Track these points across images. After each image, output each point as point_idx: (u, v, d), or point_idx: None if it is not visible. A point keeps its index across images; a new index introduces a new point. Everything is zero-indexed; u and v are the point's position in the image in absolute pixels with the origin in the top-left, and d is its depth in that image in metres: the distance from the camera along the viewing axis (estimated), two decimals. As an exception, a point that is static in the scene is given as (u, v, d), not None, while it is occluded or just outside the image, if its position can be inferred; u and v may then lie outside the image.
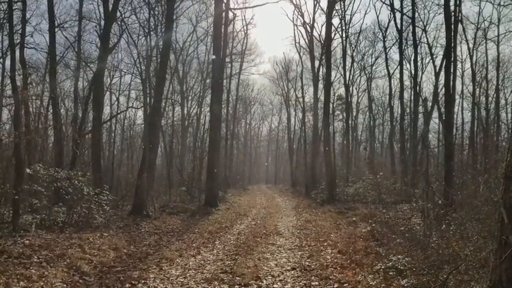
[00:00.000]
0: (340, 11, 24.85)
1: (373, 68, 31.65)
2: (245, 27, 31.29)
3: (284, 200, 24.02)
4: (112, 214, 11.89)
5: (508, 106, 26.83)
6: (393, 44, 26.75)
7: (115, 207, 13.42)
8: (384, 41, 25.78)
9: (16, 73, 12.15)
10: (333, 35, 23.34)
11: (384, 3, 24.46)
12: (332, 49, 23.85)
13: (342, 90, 31.67)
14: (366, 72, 31.52)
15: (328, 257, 7.72)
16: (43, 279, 5.69)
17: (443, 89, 14.79)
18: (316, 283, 5.98)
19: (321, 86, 26.83)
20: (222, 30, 19.28)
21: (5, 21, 16.30)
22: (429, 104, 23.00)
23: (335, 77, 29.89)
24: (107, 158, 26.22)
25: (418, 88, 22.18)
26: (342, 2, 24.55)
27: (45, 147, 17.77)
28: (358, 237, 9.42)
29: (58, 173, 10.31)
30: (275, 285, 5.94)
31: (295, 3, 29.81)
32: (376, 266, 6.37)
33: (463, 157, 18.77)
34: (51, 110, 17.96)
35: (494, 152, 16.97)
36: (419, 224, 8.90)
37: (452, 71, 13.80)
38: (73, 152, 15.05)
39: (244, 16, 35.66)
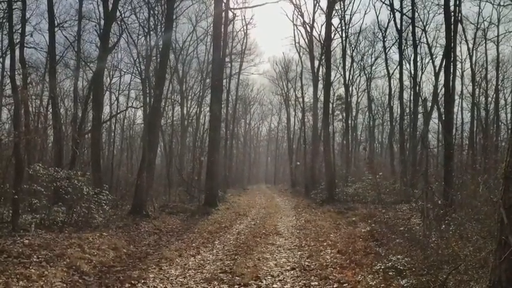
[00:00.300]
0: (339, 11, 24.90)
1: (373, 68, 31.66)
2: (245, 27, 31.32)
3: (283, 200, 24.03)
4: (111, 214, 11.89)
5: (507, 106, 26.86)
6: (393, 44, 26.75)
7: (114, 207, 13.42)
8: (384, 41, 25.81)
9: (16, 72, 12.16)
10: (332, 35, 23.36)
11: (383, 3, 24.53)
12: (332, 49, 23.86)
13: (341, 90, 31.72)
14: (366, 72, 31.53)
15: (327, 257, 7.73)
16: (43, 278, 5.69)
17: (443, 89, 14.82)
18: (316, 283, 5.98)
19: (320, 86, 26.84)
20: (222, 30, 19.28)
21: (4, 20, 16.28)
22: (429, 104, 23.03)
23: (335, 77, 29.92)
24: (107, 158, 26.21)
25: (417, 88, 22.20)
26: (341, 2, 24.59)
27: (45, 147, 17.77)
28: (358, 237, 9.42)
29: (58, 172, 10.31)
30: (274, 285, 5.94)
31: (294, 3, 29.89)
32: (376, 266, 6.37)
33: (462, 157, 18.77)
34: (50, 110, 17.96)
35: (494, 152, 16.98)
36: (418, 224, 8.90)
37: (452, 71, 13.82)
38: (72, 151, 15.05)
39: (244, 16, 35.70)
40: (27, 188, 9.88)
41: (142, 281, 5.98)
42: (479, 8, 24.93)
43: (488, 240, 5.45)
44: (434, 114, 22.15)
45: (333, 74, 26.66)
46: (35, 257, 6.68)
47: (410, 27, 21.10)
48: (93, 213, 10.54)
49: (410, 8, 20.76)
